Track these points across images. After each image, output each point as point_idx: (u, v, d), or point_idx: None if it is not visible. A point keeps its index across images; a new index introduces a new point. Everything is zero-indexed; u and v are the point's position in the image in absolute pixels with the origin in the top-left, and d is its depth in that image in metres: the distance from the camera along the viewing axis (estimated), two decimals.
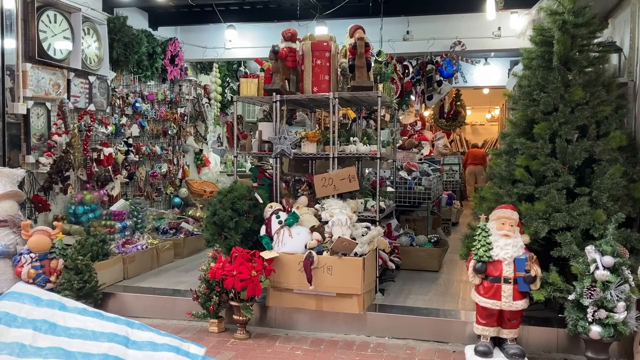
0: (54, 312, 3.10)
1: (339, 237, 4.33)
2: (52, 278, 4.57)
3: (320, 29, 6.55)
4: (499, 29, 7.09)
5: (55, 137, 5.55)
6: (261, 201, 4.80)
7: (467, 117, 13.79)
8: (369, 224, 4.71)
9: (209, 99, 8.70)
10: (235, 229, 4.61)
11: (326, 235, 4.48)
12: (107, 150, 6.23)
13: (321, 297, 4.38)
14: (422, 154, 8.94)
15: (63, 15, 5.70)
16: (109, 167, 6.32)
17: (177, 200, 7.85)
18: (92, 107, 6.10)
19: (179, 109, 7.97)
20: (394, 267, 5.42)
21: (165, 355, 3.09)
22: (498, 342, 3.92)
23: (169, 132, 7.74)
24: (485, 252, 3.79)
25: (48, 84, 5.46)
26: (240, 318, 4.32)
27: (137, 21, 7.25)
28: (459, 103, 12.45)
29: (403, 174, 7.04)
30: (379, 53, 6.00)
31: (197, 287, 4.51)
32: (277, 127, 4.95)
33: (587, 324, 3.58)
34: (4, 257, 4.55)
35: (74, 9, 5.82)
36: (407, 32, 7.46)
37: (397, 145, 6.95)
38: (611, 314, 3.52)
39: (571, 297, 3.68)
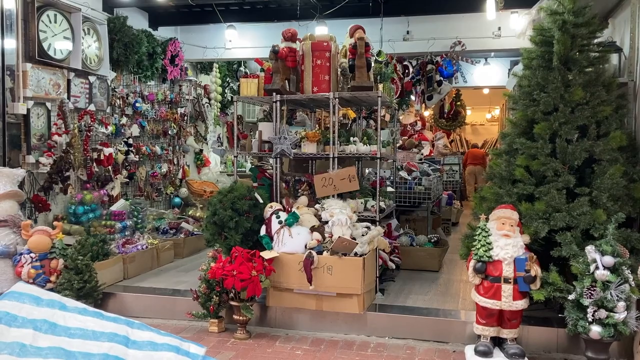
0: (54, 312, 3.11)
1: (339, 237, 4.33)
2: (52, 278, 4.57)
3: (320, 29, 6.55)
4: (499, 29, 7.09)
5: (56, 137, 5.55)
6: (261, 201, 4.80)
7: (467, 117, 13.80)
8: (369, 224, 4.71)
9: (209, 99, 8.70)
10: (236, 228, 4.61)
11: (326, 235, 4.48)
12: (107, 150, 6.23)
13: (321, 297, 4.38)
14: (422, 154, 8.94)
15: (63, 15, 5.70)
16: (109, 167, 6.32)
17: (177, 200, 7.85)
18: (92, 107, 6.10)
19: (179, 109, 7.97)
20: (394, 267, 5.42)
21: (165, 355, 3.10)
22: (498, 342, 3.92)
23: (169, 132, 7.74)
24: (485, 252, 3.79)
25: (48, 84, 5.46)
26: (241, 318, 4.32)
27: (137, 21, 7.25)
28: (459, 103, 12.45)
29: (403, 174, 7.04)
30: (379, 53, 5.99)
31: (197, 287, 4.51)
32: (277, 127, 4.95)
33: (587, 323, 3.58)
34: (4, 257, 4.55)
35: (74, 9, 5.82)
36: (407, 32, 7.46)
37: (397, 145, 6.95)
38: (611, 313, 3.52)
39: (571, 297, 3.68)
